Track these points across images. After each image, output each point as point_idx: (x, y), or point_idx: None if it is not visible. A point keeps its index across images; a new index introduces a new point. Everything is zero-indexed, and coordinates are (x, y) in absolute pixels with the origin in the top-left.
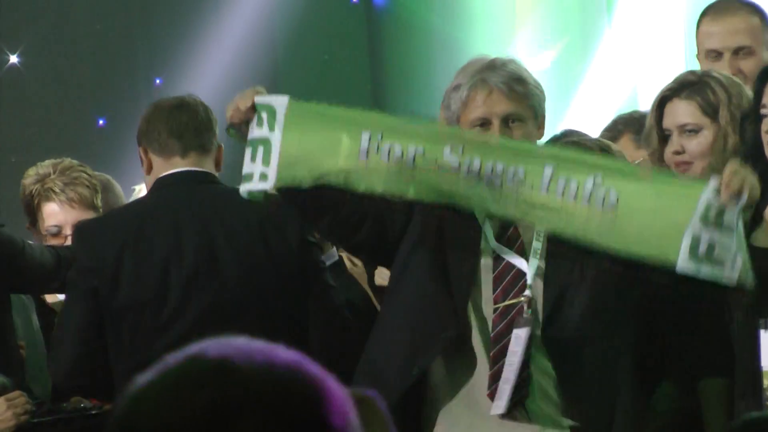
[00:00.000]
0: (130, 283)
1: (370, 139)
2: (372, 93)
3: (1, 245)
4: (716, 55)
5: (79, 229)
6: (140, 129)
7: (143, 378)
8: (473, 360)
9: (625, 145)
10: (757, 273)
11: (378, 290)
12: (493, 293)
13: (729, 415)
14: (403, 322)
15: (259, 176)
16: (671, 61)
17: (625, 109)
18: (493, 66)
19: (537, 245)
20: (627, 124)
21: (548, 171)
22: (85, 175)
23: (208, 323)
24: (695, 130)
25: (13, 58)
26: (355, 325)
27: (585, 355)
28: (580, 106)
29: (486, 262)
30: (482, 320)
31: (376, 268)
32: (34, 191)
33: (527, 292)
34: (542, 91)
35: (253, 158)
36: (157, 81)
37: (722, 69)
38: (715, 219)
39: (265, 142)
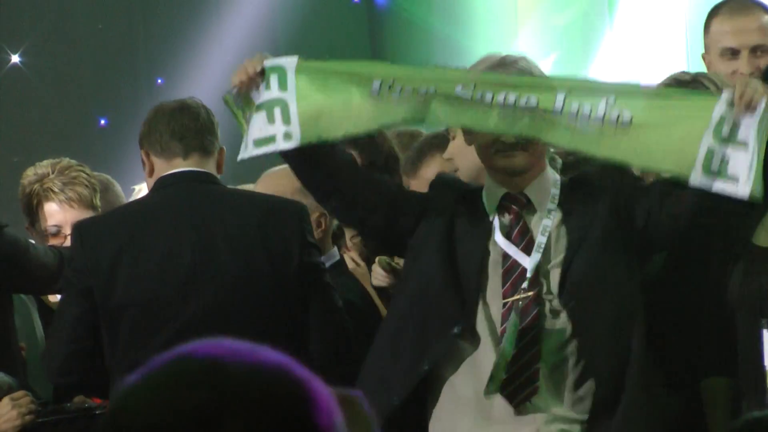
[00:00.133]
0: (128, 283)
1: (381, 85)
2: None
3: (6, 245)
4: (733, 53)
5: (77, 228)
6: (142, 132)
7: (133, 378)
8: (481, 354)
9: None
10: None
11: (379, 290)
12: (502, 288)
13: (732, 415)
14: (412, 315)
15: (283, 136)
16: (672, 61)
17: None
18: (504, 63)
19: (542, 240)
20: None
21: (560, 97)
22: (84, 175)
23: (207, 323)
24: None
25: (15, 58)
26: (355, 326)
27: (599, 313)
28: None
29: (495, 257)
30: (491, 314)
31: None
32: (33, 191)
33: (527, 287)
34: None
35: (270, 120)
36: (159, 81)
37: (740, 67)
38: (729, 132)
39: (281, 102)
